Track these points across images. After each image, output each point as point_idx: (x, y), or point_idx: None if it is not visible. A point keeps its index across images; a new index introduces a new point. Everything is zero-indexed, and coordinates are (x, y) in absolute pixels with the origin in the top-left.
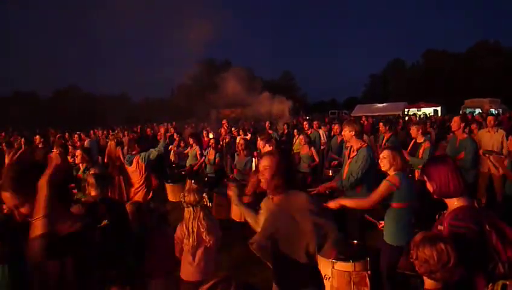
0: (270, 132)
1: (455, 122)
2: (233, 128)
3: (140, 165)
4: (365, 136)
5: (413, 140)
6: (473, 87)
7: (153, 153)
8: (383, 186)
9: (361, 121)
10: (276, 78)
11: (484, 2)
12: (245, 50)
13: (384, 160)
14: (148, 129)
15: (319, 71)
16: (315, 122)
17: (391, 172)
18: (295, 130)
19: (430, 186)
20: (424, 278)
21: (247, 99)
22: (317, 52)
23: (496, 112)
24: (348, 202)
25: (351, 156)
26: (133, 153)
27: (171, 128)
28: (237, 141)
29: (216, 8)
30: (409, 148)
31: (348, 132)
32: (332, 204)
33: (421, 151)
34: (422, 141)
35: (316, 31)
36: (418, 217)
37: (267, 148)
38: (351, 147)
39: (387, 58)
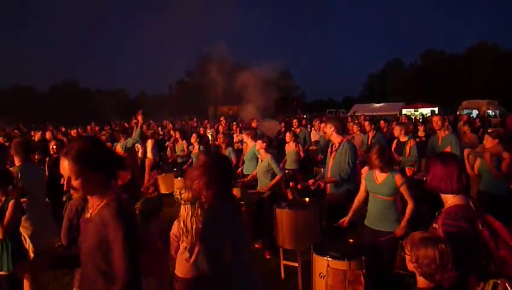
0: (255, 127)
1: (437, 121)
2: (233, 124)
3: (119, 152)
4: (362, 136)
5: (396, 140)
6: (470, 88)
7: (129, 141)
8: (406, 189)
9: (360, 121)
10: (273, 77)
11: (483, 3)
12: (243, 48)
13: (394, 167)
14: (144, 126)
15: (318, 70)
16: (316, 122)
17: (385, 173)
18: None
19: (428, 177)
20: (417, 277)
21: (244, 96)
22: (316, 51)
23: (493, 113)
24: (406, 221)
25: (334, 150)
26: (120, 141)
27: (169, 125)
28: (234, 139)
29: (214, 6)
30: (393, 147)
31: (328, 128)
32: (399, 232)
33: (407, 149)
34: (406, 139)
35: (315, 29)
36: (415, 216)
37: (260, 144)
38: (333, 143)
39: (386, 58)
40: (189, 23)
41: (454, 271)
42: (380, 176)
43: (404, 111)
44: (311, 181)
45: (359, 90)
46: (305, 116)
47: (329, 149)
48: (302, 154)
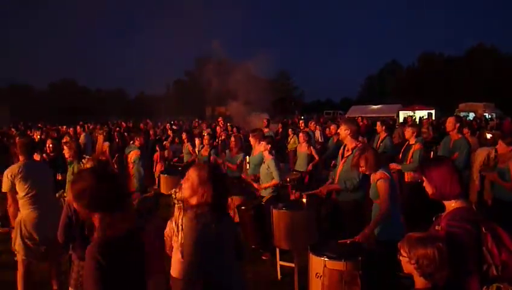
0: (266, 130)
1: (450, 122)
2: (229, 124)
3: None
4: (360, 137)
5: (407, 142)
6: (467, 91)
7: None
8: (382, 186)
9: (357, 122)
10: (272, 77)
11: (481, 6)
12: (242, 48)
13: (362, 168)
14: (142, 124)
15: (317, 71)
16: (312, 122)
17: (374, 174)
18: (289, 130)
19: (428, 188)
20: (415, 277)
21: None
22: (315, 52)
23: (490, 116)
24: (371, 227)
25: (345, 155)
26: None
27: (167, 125)
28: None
29: (214, 6)
30: (402, 149)
31: (343, 131)
32: (361, 238)
33: (410, 153)
34: (413, 142)
35: (314, 31)
36: (413, 219)
37: (265, 146)
38: (346, 145)
39: (384, 60)
40: (188, 24)
41: (448, 270)
42: (372, 177)
43: (402, 113)
44: (322, 189)
45: (357, 91)
46: (302, 117)
47: (340, 151)
48: (316, 157)
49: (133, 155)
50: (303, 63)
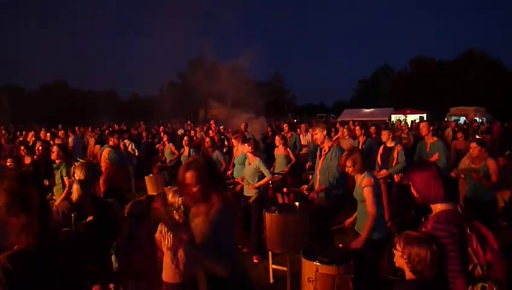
0: (246, 133)
1: (424, 127)
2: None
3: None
4: (351, 140)
5: (383, 145)
6: (459, 95)
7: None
8: (368, 193)
9: (349, 126)
10: (265, 80)
11: (472, 12)
12: (234, 50)
13: (349, 169)
14: (134, 128)
15: (310, 73)
16: (303, 125)
17: (359, 176)
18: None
19: (413, 192)
20: (406, 271)
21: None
22: (308, 54)
23: (480, 120)
24: (363, 236)
25: (323, 153)
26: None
27: (160, 128)
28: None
29: (206, 8)
30: (380, 152)
31: (320, 133)
32: (355, 245)
33: (395, 154)
34: (393, 145)
35: (307, 34)
36: (402, 218)
37: (246, 148)
38: (322, 148)
39: (377, 64)
40: (181, 25)
41: (436, 269)
42: (358, 180)
43: (393, 117)
44: (304, 187)
45: (350, 95)
46: (295, 120)
47: (318, 153)
48: (293, 158)
49: (104, 154)
50: (296, 66)
